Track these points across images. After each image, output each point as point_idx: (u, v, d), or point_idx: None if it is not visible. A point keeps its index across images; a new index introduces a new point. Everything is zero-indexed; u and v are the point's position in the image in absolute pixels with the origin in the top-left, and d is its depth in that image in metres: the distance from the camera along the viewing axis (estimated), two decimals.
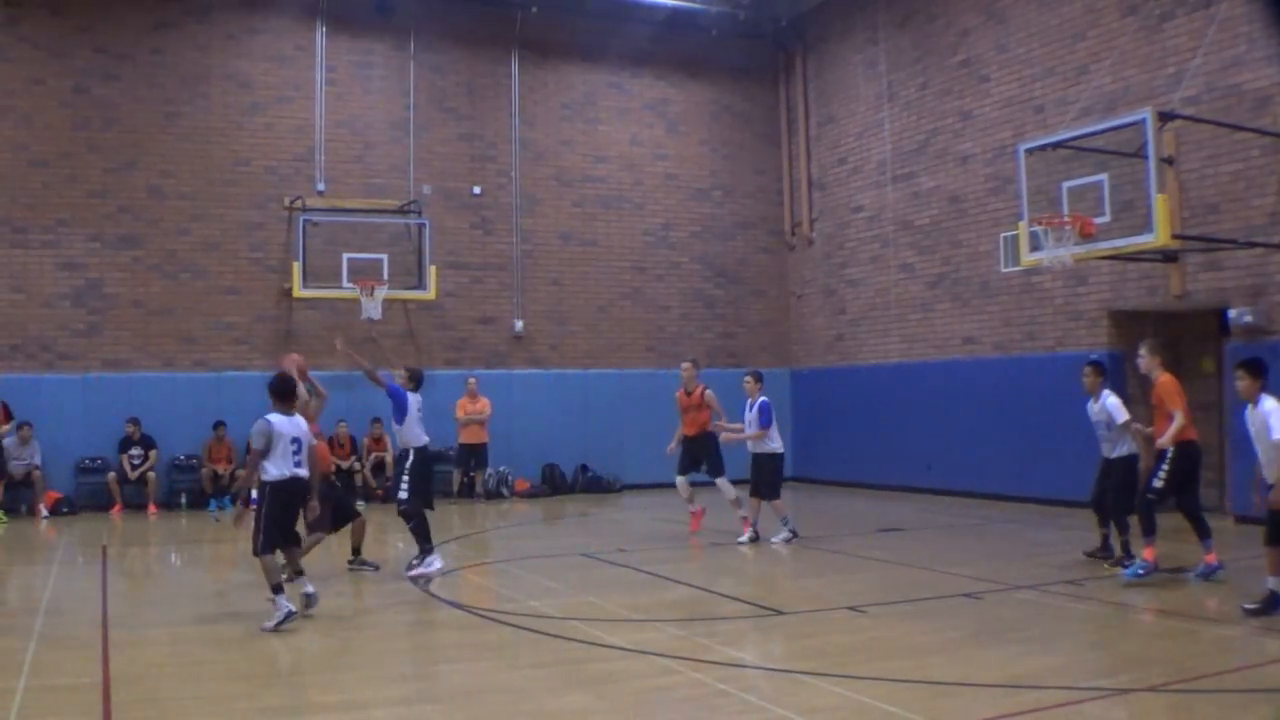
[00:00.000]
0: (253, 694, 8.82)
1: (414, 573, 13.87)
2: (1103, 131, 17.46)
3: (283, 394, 11.87)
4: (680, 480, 18.38)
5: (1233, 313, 18.19)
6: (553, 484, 26.14)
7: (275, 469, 11.48)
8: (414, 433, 14.44)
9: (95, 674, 9.13)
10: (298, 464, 11.63)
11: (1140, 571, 12.57)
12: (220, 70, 24.63)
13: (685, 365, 18.82)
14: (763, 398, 17.60)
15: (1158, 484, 12.85)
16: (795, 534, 17.22)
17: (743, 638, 10.71)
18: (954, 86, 24.07)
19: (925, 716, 7.75)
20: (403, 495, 14.28)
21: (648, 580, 13.94)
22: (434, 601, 12.65)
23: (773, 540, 17.08)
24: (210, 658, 10.16)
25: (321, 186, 25.05)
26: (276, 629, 10.90)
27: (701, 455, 18.15)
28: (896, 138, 25.78)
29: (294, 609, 11.15)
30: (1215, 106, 18.40)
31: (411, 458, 14.38)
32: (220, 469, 22.83)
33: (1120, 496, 13.90)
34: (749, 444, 17.70)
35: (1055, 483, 20.26)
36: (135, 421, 22.65)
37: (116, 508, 22.23)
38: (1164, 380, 13.29)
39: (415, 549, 14.23)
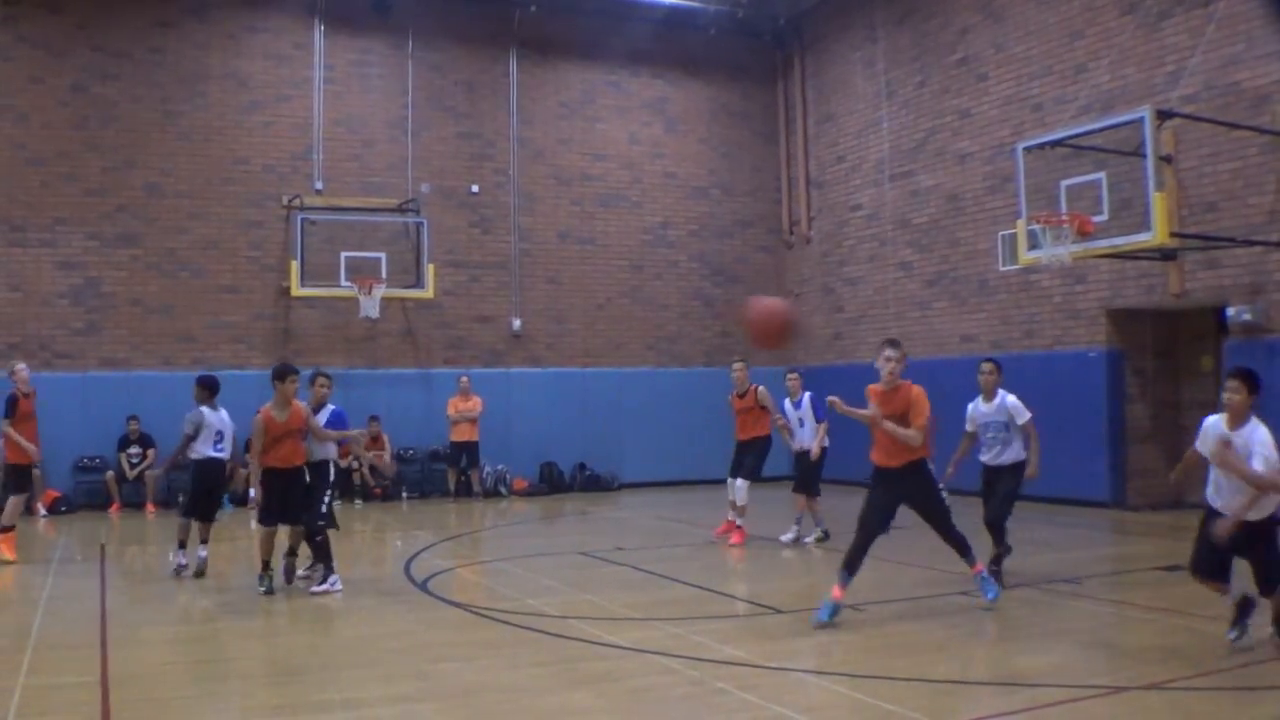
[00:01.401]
0: (251, 692, 8.83)
1: (319, 588, 13.03)
2: (1101, 130, 17.48)
3: (213, 389, 14.69)
4: (729, 482, 17.44)
5: (1231, 311, 18.20)
6: (551, 482, 26.15)
7: (199, 450, 14.29)
8: (327, 444, 13.77)
9: (94, 673, 9.13)
10: (220, 449, 14.41)
11: (825, 618, 10.86)
12: (219, 69, 24.65)
13: (737, 365, 17.76)
14: (808, 392, 17.27)
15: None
16: (802, 539, 17.05)
17: (741, 636, 10.69)
18: (952, 85, 24.09)
19: (924, 714, 7.75)
20: (324, 510, 13.42)
21: (646, 579, 13.94)
22: (433, 600, 12.65)
23: (782, 537, 17.03)
24: (209, 656, 10.20)
25: (320, 185, 25.06)
26: (175, 574, 14.01)
27: (747, 457, 17.29)
28: (895, 136, 25.80)
29: (185, 562, 14.12)
30: (1214, 104, 18.41)
31: (334, 472, 13.70)
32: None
33: (1004, 504, 13.10)
34: (795, 441, 17.36)
35: (1053, 480, 20.17)
36: (135, 419, 22.70)
37: (114, 506, 22.27)
38: (918, 391, 11.38)
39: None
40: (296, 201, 24.47)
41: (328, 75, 25.51)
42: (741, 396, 17.48)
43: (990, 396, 13.24)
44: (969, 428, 13.39)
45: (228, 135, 24.62)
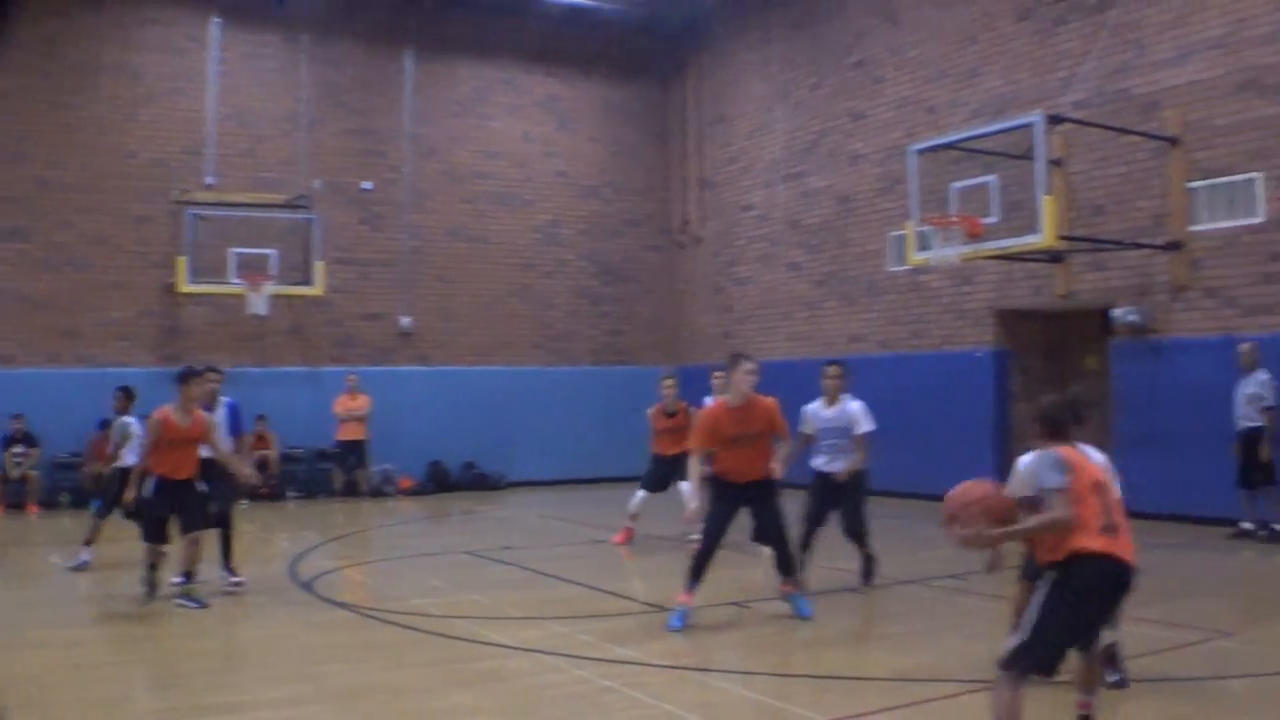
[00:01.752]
0: (141, 696, 8.71)
1: (236, 579, 12.95)
2: (993, 133, 17.66)
3: (134, 397, 15.52)
4: (642, 496, 16.73)
5: (1117, 312, 18.47)
6: (438, 481, 25.97)
7: (128, 458, 14.20)
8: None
9: None
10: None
11: (678, 624, 10.76)
12: (111, 60, 24.18)
13: (668, 382, 17.08)
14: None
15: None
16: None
17: (628, 634, 10.65)
18: (847, 87, 24.24)
19: (813, 710, 7.77)
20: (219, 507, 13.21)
21: (532, 578, 13.89)
22: (319, 601, 12.51)
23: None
24: (97, 660, 9.98)
25: (210, 180, 24.64)
26: (70, 569, 14.38)
27: (676, 473, 16.26)
28: (788, 137, 25.91)
29: (88, 559, 14.38)
30: (1104, 110, 18.70)
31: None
32: (104, 468, 22.41)
33: (857, 514, 12.82)
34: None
35: (939, 479, 20.28)
36: (20, 417, 22.21)
37: None
38: (774, 401, 11.22)
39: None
40: (186, 196, 24.09)
41: (221, 69, 25.13)
42: (671, 415, 16.87)
43: (833, 401, 12.75)
44: (805, 430, 12.74)
45: (119, 128, 24.16)
